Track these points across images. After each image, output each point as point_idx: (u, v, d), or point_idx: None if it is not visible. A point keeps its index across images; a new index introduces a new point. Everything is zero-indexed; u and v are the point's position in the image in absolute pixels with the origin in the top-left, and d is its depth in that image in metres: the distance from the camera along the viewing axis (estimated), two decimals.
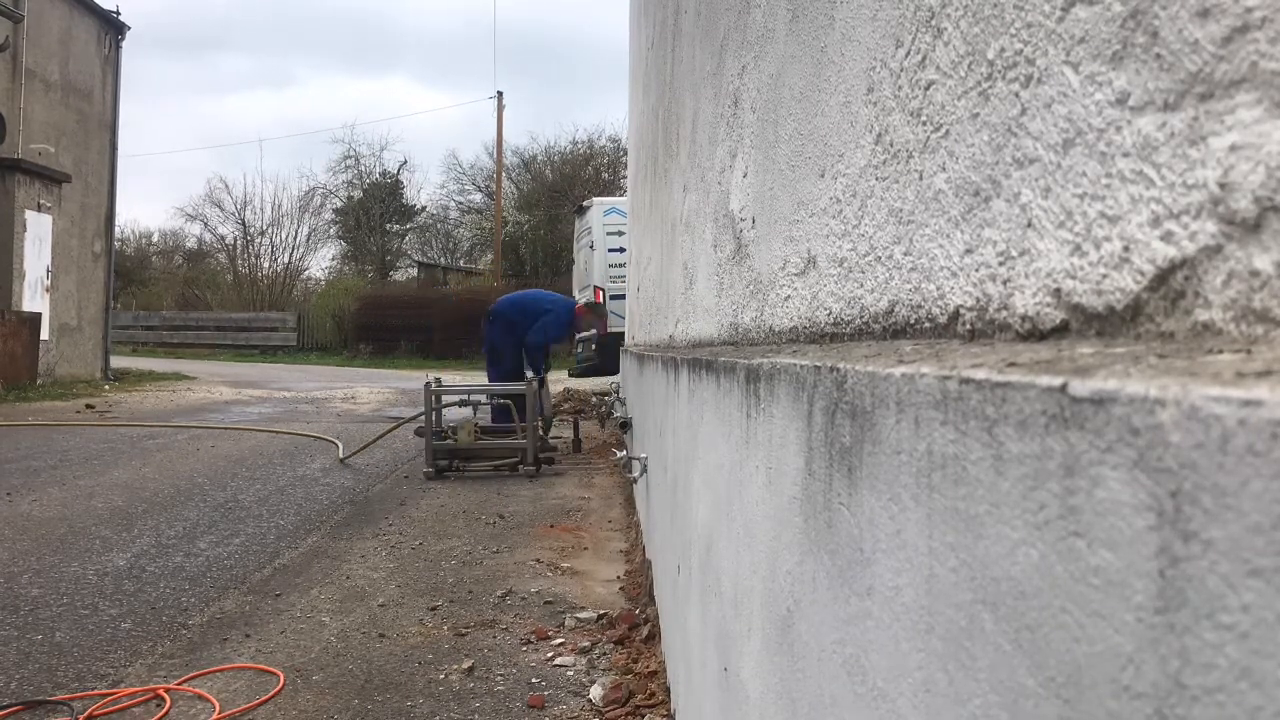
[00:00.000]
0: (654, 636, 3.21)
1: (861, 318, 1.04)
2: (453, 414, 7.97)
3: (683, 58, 3.10)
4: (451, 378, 12.09)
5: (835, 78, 1.13)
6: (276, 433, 9.61)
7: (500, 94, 30.48)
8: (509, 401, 7.56)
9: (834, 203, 1.14)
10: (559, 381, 13.76)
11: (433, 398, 7.00)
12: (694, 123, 2.72)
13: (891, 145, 0.94)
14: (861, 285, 1.04)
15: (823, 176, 1.19)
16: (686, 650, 2.22)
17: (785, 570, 1.07)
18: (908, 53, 0.89)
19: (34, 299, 15.07)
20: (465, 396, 7.65)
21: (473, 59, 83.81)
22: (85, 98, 17.24)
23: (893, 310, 0.94)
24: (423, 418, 7.10)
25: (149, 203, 76.67)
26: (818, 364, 0.91)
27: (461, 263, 38.46)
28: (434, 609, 3.74)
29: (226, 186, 47.00)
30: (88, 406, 12.23)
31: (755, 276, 1.64)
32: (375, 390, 15.91)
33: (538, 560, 4.53)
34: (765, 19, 1.56)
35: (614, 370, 10.67)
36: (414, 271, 36.95)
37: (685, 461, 2.34)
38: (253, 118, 72.00)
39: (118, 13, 17.94)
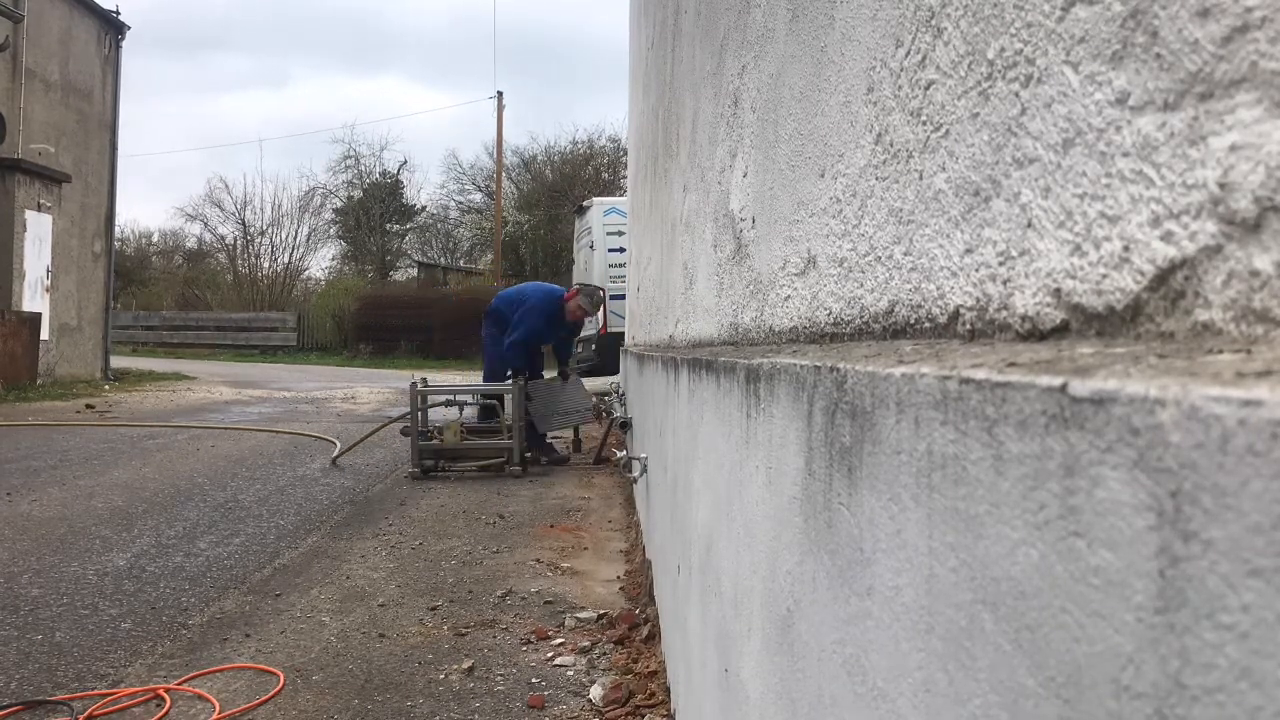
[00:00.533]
0: (654, 636, 3.21)
1: (861, 318, 1.04)
2: (442, 414, 7.96)
3: (683, 58, 3.10)
4: (451, 378, 12.08)
5: (835, 77, 1.13)
6: (276, 433, 9.61)
7: (500, 94, 30.45)
8: (493, 402, 7.55)
9: (834, 202, 1.14)
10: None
11: (418, 398, 7.02)
12: (694, 122, 2.71)
13: (891, 145, 0.94)
14: (861, 285, 1.04)
15: (823, 176, 1.19)
16: (686, 650, 2.22)
17: (785, 570, 1.07)
18: (908, 52, 0.89)
19: (34, 299, 15.07)
20: (451, 396, 7.66)
21: (472, 59, 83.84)
22: (85, 98, 17.24)
23: (893, 310, 0.94)
24: (409, 418, 7.11)
25: (149, 203, 76.76)
26: (818, 364, 0.91)
27: (461, 263, 38.46)
28: (434, 609, 3.74)
29: (226, 186, 46.97)
30: (88, 406, 12.23)
31: (755, 276, 1.64)
32: (375, 390, 15.91)
33: (538, 560, 4.53)
34: (765, 19, 1.56)
35: (614, 370, 10.67)
36: (414, 271, 36.94)
37: (685, 461, 2.34)
38: (252, 118, 72.04)
39: (118, 12, 17.95)
